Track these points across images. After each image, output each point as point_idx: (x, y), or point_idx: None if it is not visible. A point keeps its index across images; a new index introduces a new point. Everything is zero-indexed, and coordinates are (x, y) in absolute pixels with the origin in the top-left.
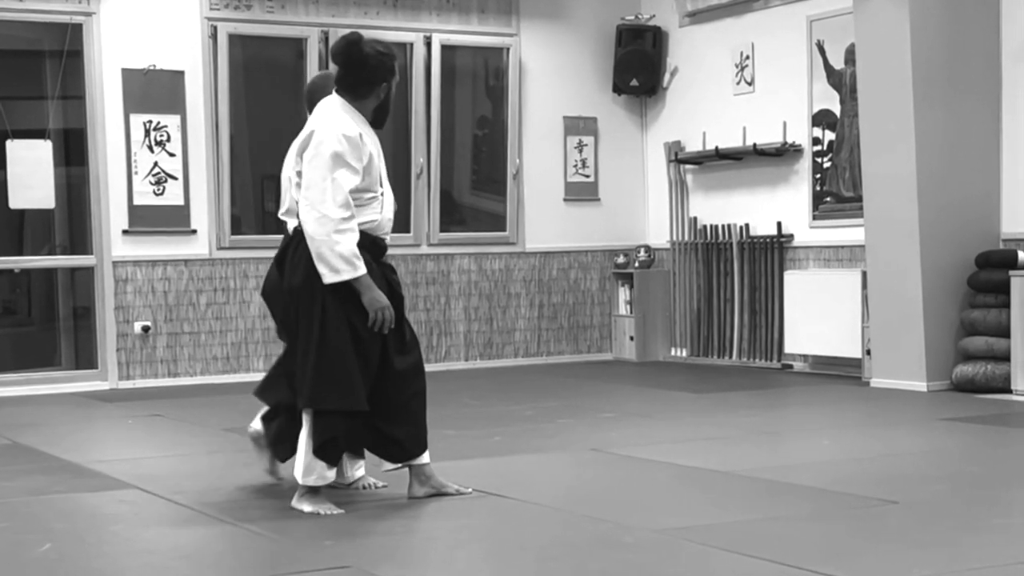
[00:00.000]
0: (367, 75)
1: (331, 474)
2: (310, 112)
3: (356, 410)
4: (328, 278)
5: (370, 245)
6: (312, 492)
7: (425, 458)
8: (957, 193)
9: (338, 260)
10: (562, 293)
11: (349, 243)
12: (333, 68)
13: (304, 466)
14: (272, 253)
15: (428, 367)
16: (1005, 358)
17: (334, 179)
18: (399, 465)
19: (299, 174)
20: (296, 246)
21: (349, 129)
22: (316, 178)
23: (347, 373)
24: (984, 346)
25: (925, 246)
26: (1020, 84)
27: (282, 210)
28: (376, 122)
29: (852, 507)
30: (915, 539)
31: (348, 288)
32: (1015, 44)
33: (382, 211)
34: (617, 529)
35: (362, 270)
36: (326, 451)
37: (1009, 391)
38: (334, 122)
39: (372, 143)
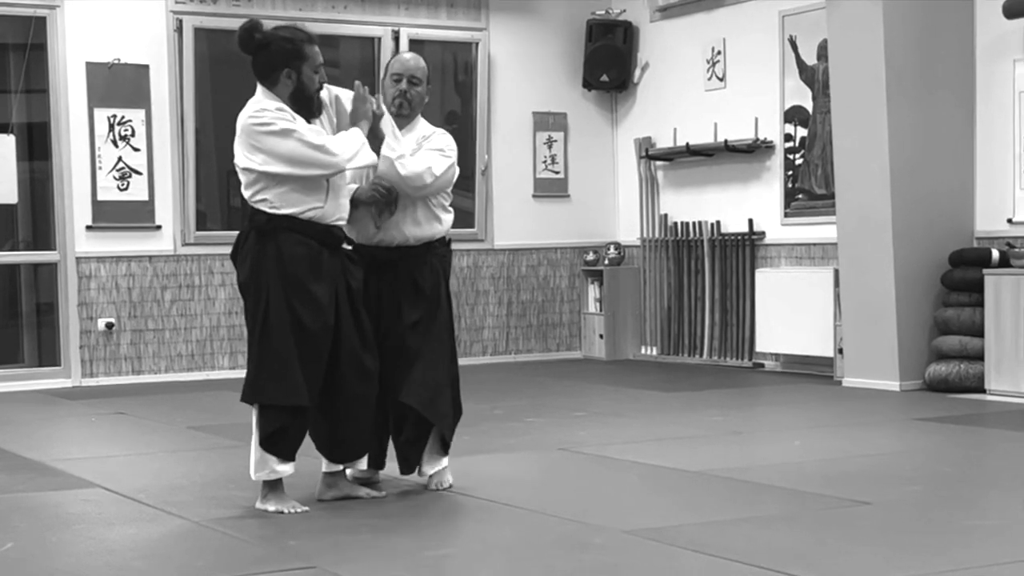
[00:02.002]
0: (267, 60)
1: (285, 468)
2: None
3: (295, 404)
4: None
5: (323, 235)
6: (275, 490)
7: (363, 463)
8: (931, 191)
9: (366, 154)
10: (531, 290)
11: (351, 148)
12: None
13: (255, 461)
14: None
15: None
16: (979, 357)
17: (306, 140)
18: (341, 467)
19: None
20: (244, 242)
21: (267, 106)
22: (299, 153)
23: (285, 367)
24: (957, 345)
25: (898, 244)
26: (994, 81)
27: None
28: (299, 111)
29: (824, 508)
30: (888, 540)
31: (293, 281)
32: (989, 40)
33: (327, 198)
34: (586, 530)
35: (361, 139)
36: (275, 444)
37: (983, 391)
38: (262, 104)
39: (302, 124)
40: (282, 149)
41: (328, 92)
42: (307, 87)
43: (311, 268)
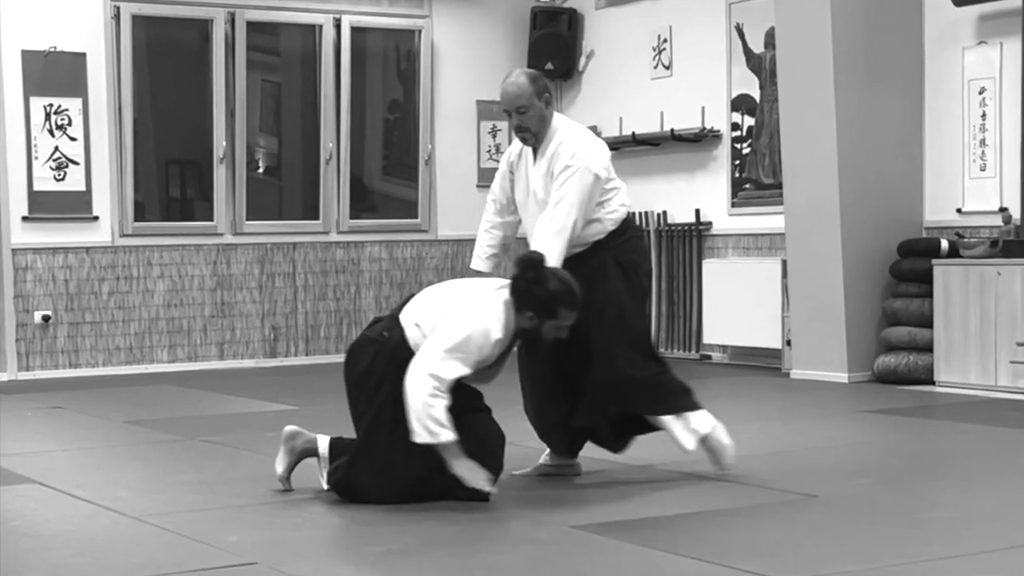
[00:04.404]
0: (520, 291)
1: None
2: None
3: None
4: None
5: None
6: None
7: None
8: (879, 180)
9: (428, 421)
10: None
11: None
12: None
13: None
14: (177, 240)
15: (338, 358)
16: (927, 349)
17: (452, 359)
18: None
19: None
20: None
21: (494, 332)
22: (451, 343)
23: None
24: (906, 336)
25: (846, 234)
26: (943, 69)
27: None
28: (530, 343)
29: (772, 501)
30: (835, 534)
31: None
32: (938, 28)
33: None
34: (531, 524)
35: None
36: None
37: (932, 382)
38: (485, 317)
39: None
40: (455, 345)
41: None
42: (540, 335)
43: None
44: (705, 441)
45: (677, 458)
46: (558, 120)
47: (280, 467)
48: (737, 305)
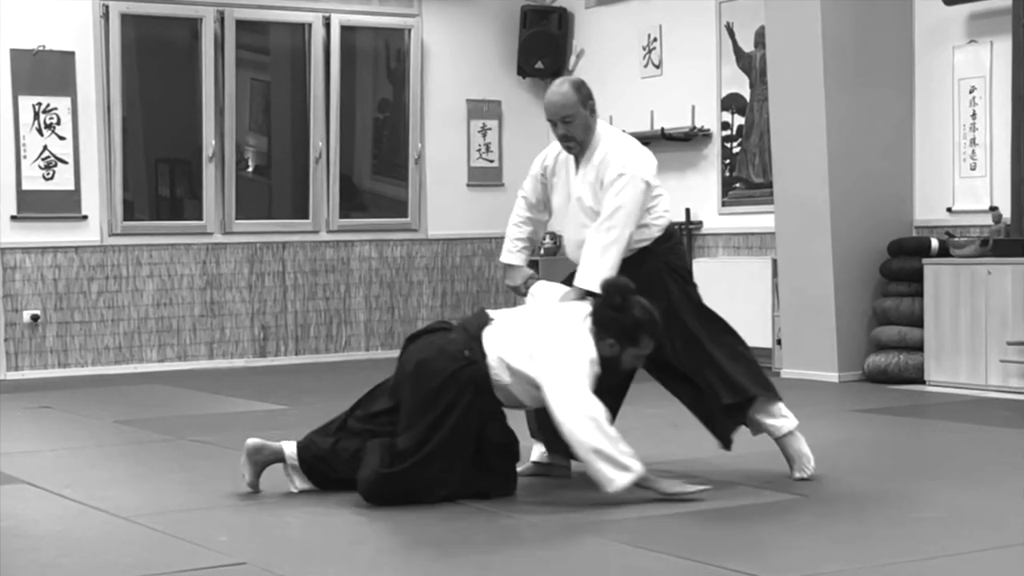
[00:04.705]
0: (604, 319)
1: None
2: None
3: None
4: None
5: None
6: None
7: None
8: (869, 180)
9: (623, 458)
10: (466, 281)
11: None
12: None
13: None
14: (166, 240)
15: (327, 357)
16: (918, 348)
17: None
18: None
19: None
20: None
21: (594, 365)
22: (585, 378)
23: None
24: (897, 336)
25: (837, 234)
26: (933, 68)
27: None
28: (607, 371)
29: (763, 501)
30: (826, 533)
31: None
32: (928, 26)
33: None
34: (521, 525)
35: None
36: None
37: (922, 382)
38: (586, 348)
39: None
40: (583, 372)
41: None
42: (620, 364)
43: None
44: (787, 441)
45: (672, 458)
46: (602, 127)
47: (248, 476)
48: (727, 304)
